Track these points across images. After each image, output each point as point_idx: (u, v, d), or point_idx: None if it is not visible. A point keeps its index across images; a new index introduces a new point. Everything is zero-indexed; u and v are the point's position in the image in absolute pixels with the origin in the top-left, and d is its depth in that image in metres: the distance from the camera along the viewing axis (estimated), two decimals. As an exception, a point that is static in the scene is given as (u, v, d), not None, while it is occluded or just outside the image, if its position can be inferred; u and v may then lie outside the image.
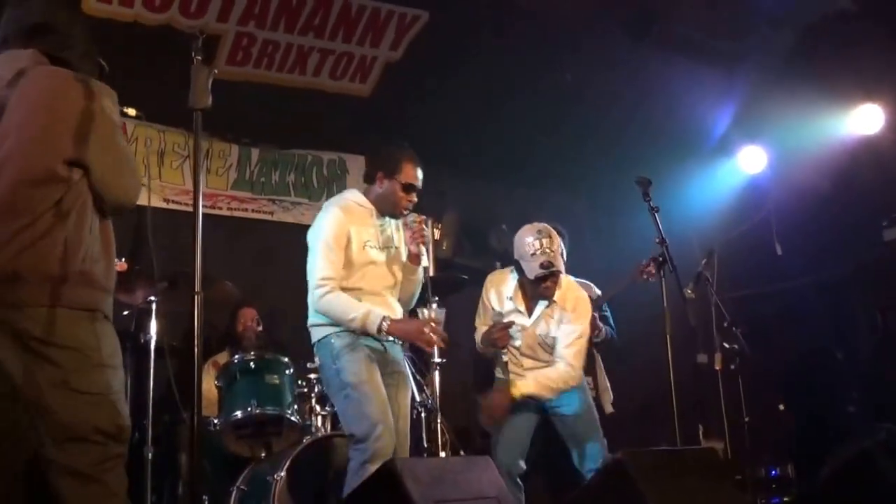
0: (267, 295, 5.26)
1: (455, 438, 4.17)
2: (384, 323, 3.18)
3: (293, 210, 5.71)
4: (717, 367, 4.89)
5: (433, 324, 3.23)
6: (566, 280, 3.93)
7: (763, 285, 6.22)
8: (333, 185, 5.86)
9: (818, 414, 5.96)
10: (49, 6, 2.28)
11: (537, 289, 3.79)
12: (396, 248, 3.47)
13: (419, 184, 3.43)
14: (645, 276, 4.76)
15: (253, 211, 5.62)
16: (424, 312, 3.31)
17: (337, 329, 3.27)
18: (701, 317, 5.25)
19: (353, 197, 3.45)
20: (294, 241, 5.63)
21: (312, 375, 4.12)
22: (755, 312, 6.03)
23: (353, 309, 3.20)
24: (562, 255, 3.80)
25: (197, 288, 2.04)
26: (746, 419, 4.76)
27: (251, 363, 4.12)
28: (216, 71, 2.27)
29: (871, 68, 5.35)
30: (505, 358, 3.96)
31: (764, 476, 5.68)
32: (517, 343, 3.89)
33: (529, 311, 3.89)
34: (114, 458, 2.03)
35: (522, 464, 3.86)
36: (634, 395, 5.28)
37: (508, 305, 3.90)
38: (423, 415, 4.15)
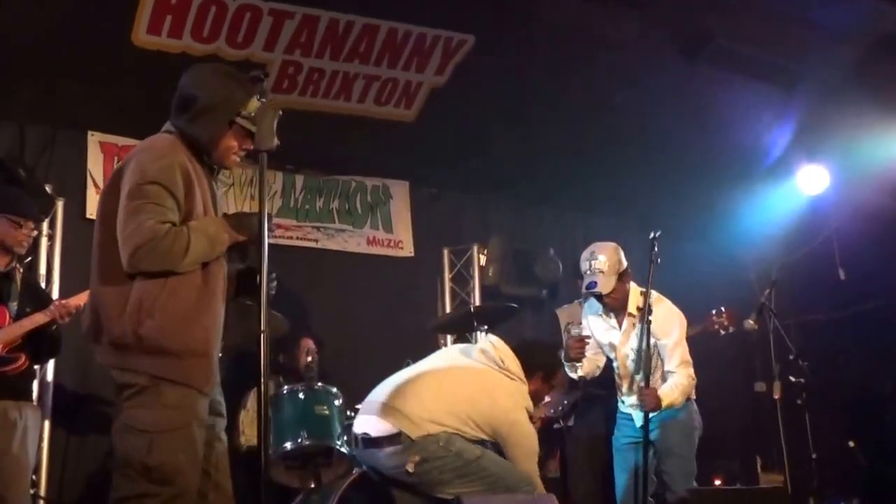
0: (311, 323, 5.19)
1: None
2: None
3: (337, 237, 5.66)
4: (776, 397, 4.70)
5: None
6: (639, 292, 3.89)
7: (825, 311, 6.00)
8: (377, 211, 5.80)
9: (884, 446, 5.71)
10: None
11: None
12: None
13: None
14: (717, 328, 4.59)
15: (297, 238, 5.56)
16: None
17: None
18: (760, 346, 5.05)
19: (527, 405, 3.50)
20: (338, 268, 5.63)
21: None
22: (817, 339, 5.80)
23: None
24: (618, 274, 3.81)
25: (263, 326, 1.94)
26: (814, 455, 4.54)
27: (300, 393, 4.08)
28: (280, 112, 2.23)
29: (936, 85, 5.14)
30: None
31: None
32: (615, 364, 4.01)
33: (620, 324, 3.97)
34: None
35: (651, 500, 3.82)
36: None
37: (603, 323, 3.99)
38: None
